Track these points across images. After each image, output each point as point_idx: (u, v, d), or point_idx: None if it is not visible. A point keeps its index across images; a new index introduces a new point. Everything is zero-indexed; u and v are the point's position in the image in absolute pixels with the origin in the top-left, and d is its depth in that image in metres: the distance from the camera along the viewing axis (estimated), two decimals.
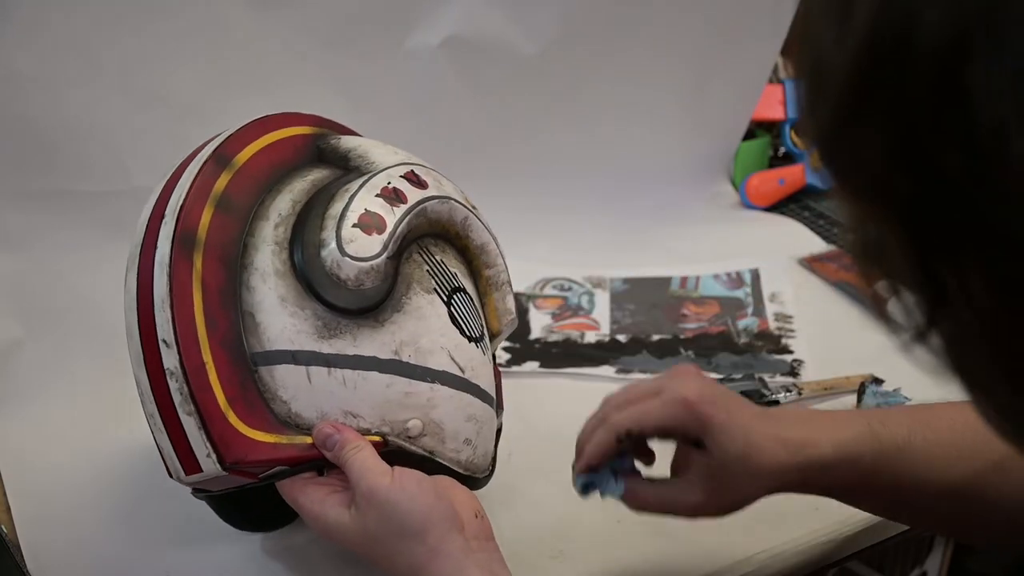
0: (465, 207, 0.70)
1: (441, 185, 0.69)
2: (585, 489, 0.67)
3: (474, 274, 0.73)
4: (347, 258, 0.62)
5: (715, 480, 0.62)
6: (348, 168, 0.68)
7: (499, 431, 0.74)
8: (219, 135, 0.67)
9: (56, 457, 0.85)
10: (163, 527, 0.77)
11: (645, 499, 0.66)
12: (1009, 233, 0.30)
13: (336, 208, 0.64)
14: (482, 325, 0.71)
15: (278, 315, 0.62)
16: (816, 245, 1.19)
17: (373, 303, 0.63)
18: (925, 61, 0.30)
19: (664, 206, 1.24)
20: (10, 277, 0.93)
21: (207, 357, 0.60)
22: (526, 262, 0.99)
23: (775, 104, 1.31)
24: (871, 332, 1.09)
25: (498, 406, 0.73)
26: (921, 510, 0.64)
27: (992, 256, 0.31)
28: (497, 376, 0.74)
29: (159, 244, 0.62)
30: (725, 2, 1.17)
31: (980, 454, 0.60)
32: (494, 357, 0.75)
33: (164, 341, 0.60)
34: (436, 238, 0.69)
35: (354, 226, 0.63)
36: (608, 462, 0.66)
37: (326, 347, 0.62)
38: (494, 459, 0.73)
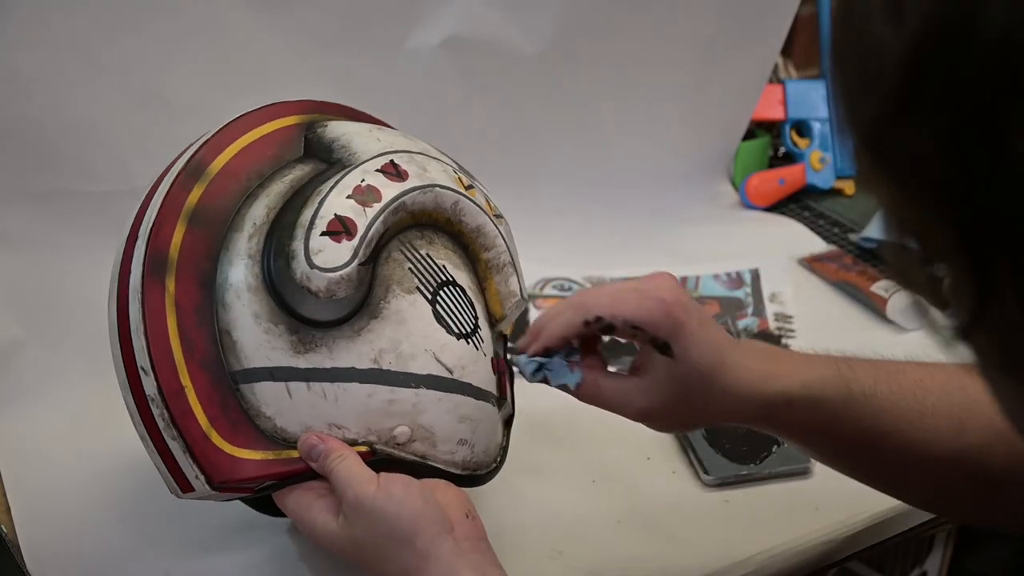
0: (455, 191, 0.67)
1: (425, 171, 0.66)
2: (536, 372, 0.65)
3: (472, 259, 0.70)
4: (316, 270, 0.60)
5: (674, 389, 0.62)
6: (331, 161, 0.66)
7: (510, 420, 0.73)
8: (197, 140, 0.66)
9: (56, 457, 0.85)
10: (163, 527, 0.77)
11: (600, 390, 0.64)
12: None
13: (306, 215, 0.62)
14: (475, 317, 0.68)
15: (252, 332, 0.61)
16: (816, 245, 1.19)
17: (347, 312, 0.62)
18: (988, 47, 0.29)
19: (664, 206, 1.24)
20: (10, 277, 0.93)
21: (185, 381, 0.60)
22: (526, 262, 0.99)
23: (775, 104, 1.31)
24: (871, 332, 1.10)
25: (501, 399, 0.71)
26: (875, 463, 0.64)
27: None
28: (498, 366, 0.71)
29: (132, 269, 0.61)
30: (725, 2, 1.17)
31: (943, 415, 0.60)
32: (505, 341, 0.73)
33: (142, 368, 0.60)
34: (423, 228, 0.67)
35: (323, 234, 0.61)
36: (561, 350, 0.65)
37: (302, 362, 0.61)
38: (504, 449, 0.71)
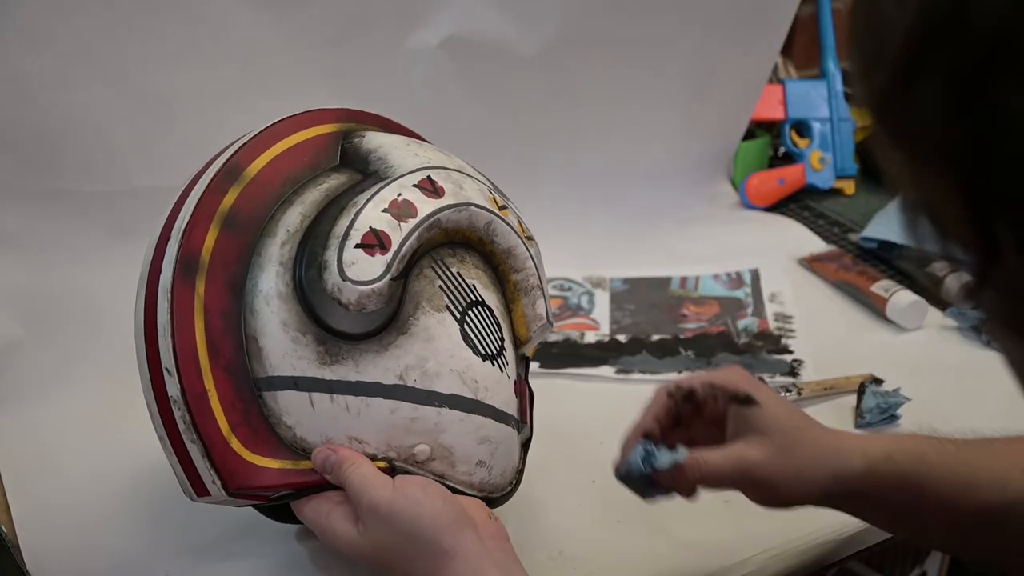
0: (489, 211, 0.66)
1: (461, 190, 0.66)
2: (645, 460, 0.63)
3: (501, 280, 0.69)
4: (347, 282, 0.60)
5: (768, 438, 0.62)
6: (367, 172, 0.66)
7: (527, 444, 0.72)
8: (235, 142, 0.66)
9: (56, 457, 0.85)
10: (163, 527, 0.77)
11: (710, 462, 0.62)
12: None
13: (341, 226, 0.61)
14: (501, 339, 0.67)
15: (280, 340, 0.61)
16: (816, 245, 1.19)
17: (377, 326, 0.62)
18: (981, 16, 0.31)
19: (664, 206, 1.24)
20: (10, 277, 0.93)
21: (209, 384, 0.60)
22: None
23: (775, 104, 1.31)
24: (871, 332, 1.10)
25: (521, 422, 0.70)
26: (958, 527, 0.61)
27: None
28: (520, 388, 0.70)
29: (163, 268, 0.61)
30: (725, 3, 1.17)
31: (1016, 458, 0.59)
32: (527, 364, 0.73)
33: (167, 369, 0.60)
34: (455, 246, 0.66)
35: (356, 246, 0.60)
36: (658, 436, 0.65)
37: (328, 373, 0.61)
38: (520, 472, 0.71)
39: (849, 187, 1.32)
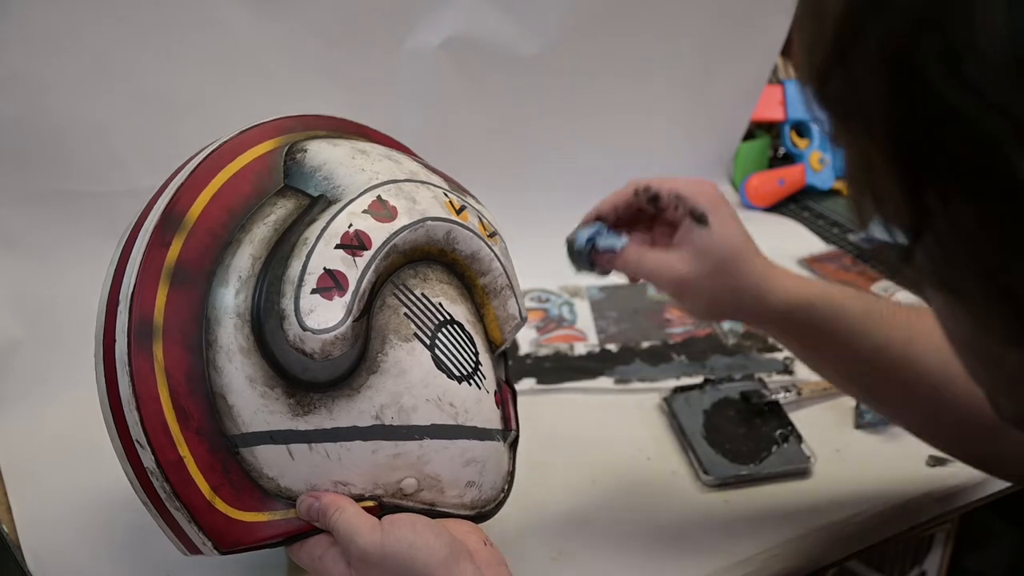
0: (446, 221, 0.63)
1: (415, 204, 0.62)
2: (588, 241, 0.70)
3: (468, 286, 0.67)
4: (308, 332, 0.57)
5: (708, 261, 0.68)
6: (314, 196, 0.62)
7: (515, 441, 0.71)
8: (172, 182, 0.62)
9: (56, 457, 0.85)
10: None
11: (642, 256, 0.70)
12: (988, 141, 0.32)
13: (294, 269, 0.58)
14: (476, 353, 0.65)
15: (249, 397, 0.58)
16: (816, 245, 1.19)
17: (345, 370, 0.59)
18: None
19: None
20: (10, 277, 0.93)
21: (184, 451, 0.58)
22: (525, 262, 0.99)
23: (775, 104, 1.32)
24: None
25: (506, 430, 0.68)
26: (886, 380, 0.69)
27: (973, 178, 0.33)
28: (501, 397, 0.68)
29: (117, 338, 0.58)
30: (725, 3, 1.18)
31: (907, 327, 0.67)
32: (506, 362, 0.72)
33: (138, 442, 0.58)
34: (416, 265, 0.64)
35: (313, 291, 0.57)
36: (610, 222, 0.71)
37: (302, 424, 0.59)
38: (511, 474, 0.69)
39: None
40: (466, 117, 1.11)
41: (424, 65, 1.06)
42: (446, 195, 0.65)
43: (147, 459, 0.58)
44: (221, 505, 0.59)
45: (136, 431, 0.58)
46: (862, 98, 0.35)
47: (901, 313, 0.69)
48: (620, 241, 0.70)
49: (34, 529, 0.78)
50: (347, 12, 1.01)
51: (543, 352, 1.01)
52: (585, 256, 0.72)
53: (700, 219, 0.68)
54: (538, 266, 1.10)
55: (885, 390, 0.71)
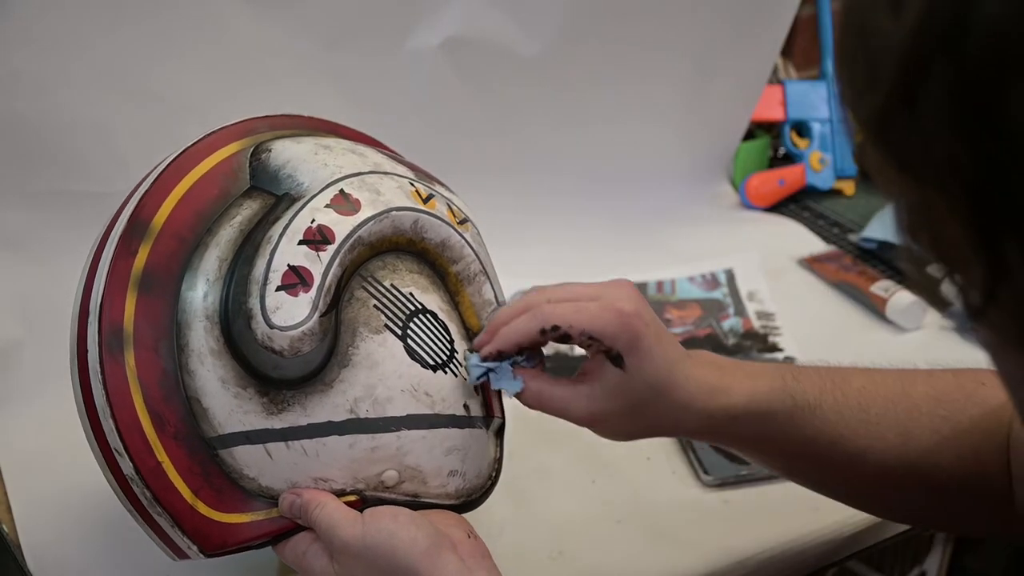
0: (413, 210, 0.63)
1: (379, 196, 0.62)
2: (480, 377, 0.63)
3: (441, 275, 0.66)
4: (276, 330, 0.57)
5: (622, 400, 0.61)
6: (279, 194, 0.62)
7: (502, 429, 0.70)
8: (137, 190, 0.62)
9: (56, 457, 0.85)
10: None
11: (544, 395, 0.63)
12: None
13: (259, 269, 0.58)
14: (450, 342, 0.64)
15: (222, 398, 0.58)
16: (816, 245, 1.19)
17: (316, 366, 0.59)
18: (983, 28, 0.30)
19: (664, 207, 1.24)
20: (10, 277, 0.93)
21: (162, 456, 0.58)
22: (524, 262, 0.98)
23: (775, 104, 1.32)
24: (871, 332, 1.10)
25: (488, 416, 0.67)
26: (823, 472, 0.65)
27: None
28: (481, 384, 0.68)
29: (89, 348, 0.59)
30: (725, 2, 1.17)
31: (888, 423, 0.61)
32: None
33: (116, 450, 0.58)
34: (384, 256, 0.63)
35: (278, 289, 0.57)
36: (512, 355, 0.63)
37: (277, 422, 0.59)
38: (498, 461, 0.68)
39: (849, 188, 1.32)
40: (466, 117, 1.11)
41: (424, 65, 1.06)
42: (412, 184, 0.65)
43: (126, 466, 0.58)
44: (203, 508, 0.59)
45: (113, 439, 0.58)
46: (932, 140, 0.32)
47: (852, 397, 0.62)
48: (515, 385, 0.63)
49: (34, 529, 0.78)
50: (347, 12, 1.01)
51: (544, 352, 1.00)
52: (480, 390, 0.66)
53: (616, 360, 0.60)
54: (538, 266, 1.10)
55: (836, 483, 0.66)
